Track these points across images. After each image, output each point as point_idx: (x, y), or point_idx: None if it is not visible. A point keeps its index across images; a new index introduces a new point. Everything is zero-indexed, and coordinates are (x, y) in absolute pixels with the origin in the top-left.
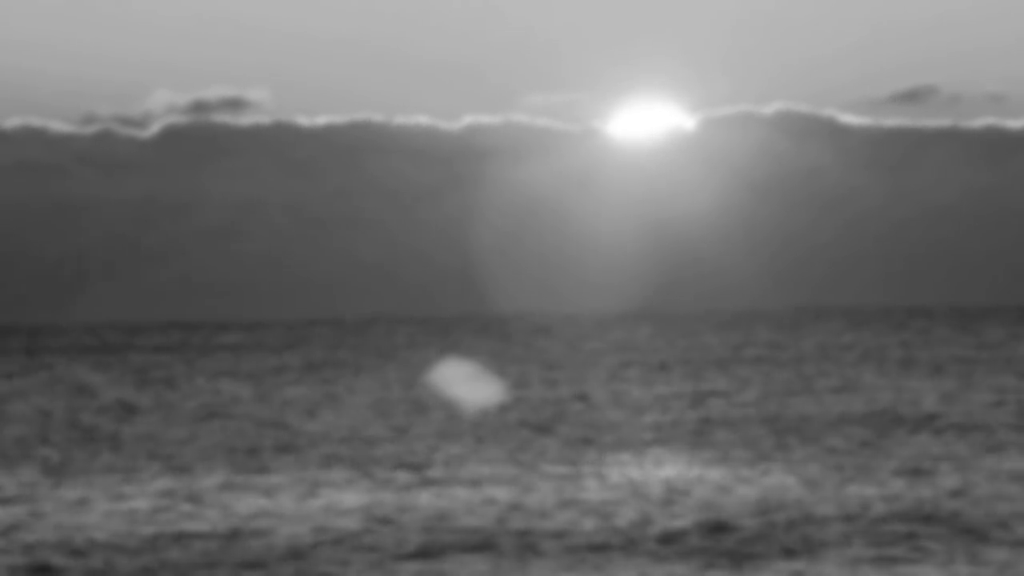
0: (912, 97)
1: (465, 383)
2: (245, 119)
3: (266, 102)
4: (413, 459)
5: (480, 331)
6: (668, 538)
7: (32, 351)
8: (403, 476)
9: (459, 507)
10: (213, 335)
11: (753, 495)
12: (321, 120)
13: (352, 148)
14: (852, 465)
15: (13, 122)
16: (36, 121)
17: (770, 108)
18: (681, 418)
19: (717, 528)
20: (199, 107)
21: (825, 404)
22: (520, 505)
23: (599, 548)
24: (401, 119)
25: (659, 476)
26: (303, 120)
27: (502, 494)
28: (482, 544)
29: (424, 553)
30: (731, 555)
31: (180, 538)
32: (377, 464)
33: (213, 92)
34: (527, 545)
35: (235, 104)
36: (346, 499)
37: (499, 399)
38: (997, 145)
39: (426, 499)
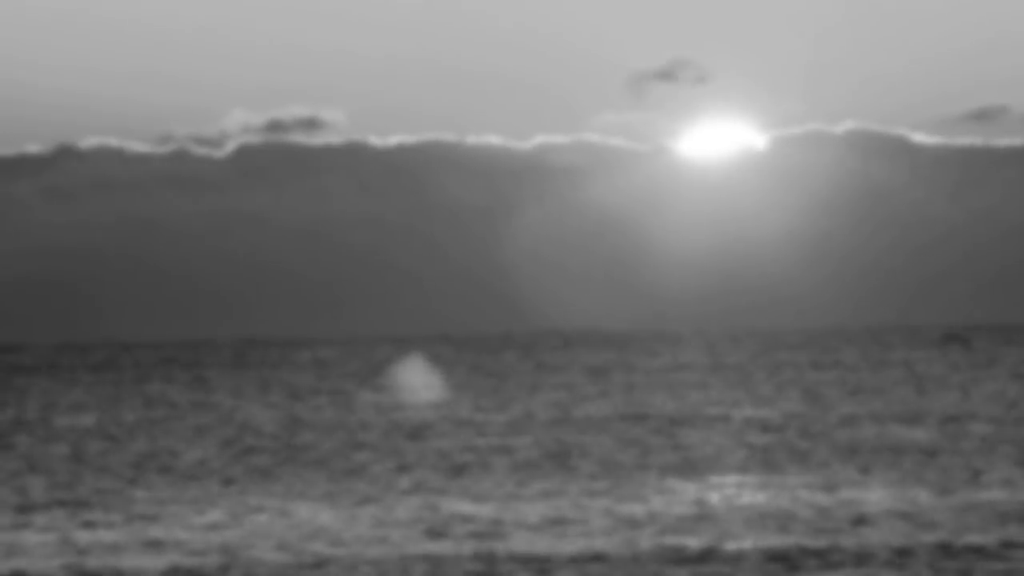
0: (983, 116)
1: (418, 385)
2: (320, 139)
3: (341, 122)
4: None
5: (558, 347)
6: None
7: (115, 367)
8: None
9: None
10: (288, 352)
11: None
12: (393, 140)
13: (424, 167)
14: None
15: (90, 142)
16: (113, 141)
17: (841, 127)
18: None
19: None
20: (275, 126)
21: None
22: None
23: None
24: (472, 138)
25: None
26: (375, 140)
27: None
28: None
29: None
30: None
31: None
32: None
33: (289, 112)
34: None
35: (310, 124)
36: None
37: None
38: None
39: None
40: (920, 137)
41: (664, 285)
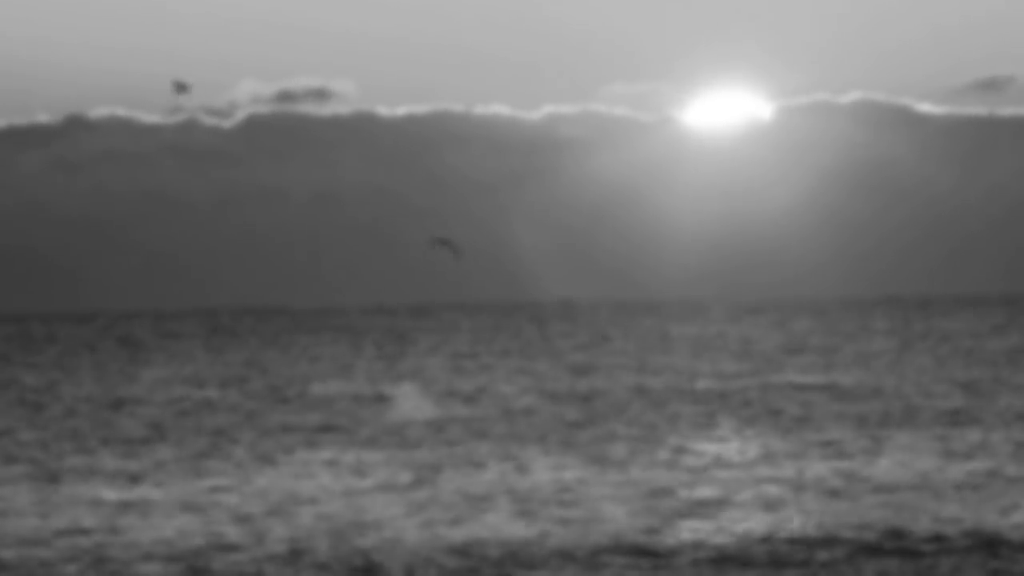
0: (991, 86)
1: (415, 400)
2: (329, 109)
3: (351, 93)
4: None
5: (566, 317)
6: None
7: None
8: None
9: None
10: (298, 320)
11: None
12: (401, 110)
13: (432, 137)
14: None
15: (99, 112)
16: (122, 111)
17: (848, 97)
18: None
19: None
20: (285, 97)
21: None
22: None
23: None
24: (481, 109)
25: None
26: (384, 110)
27: None
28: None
29: None
30: None
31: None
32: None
33: (299, 83)
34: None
35: (320, 94)
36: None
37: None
38: None
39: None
40: (926, 107)
41: (670, 255)
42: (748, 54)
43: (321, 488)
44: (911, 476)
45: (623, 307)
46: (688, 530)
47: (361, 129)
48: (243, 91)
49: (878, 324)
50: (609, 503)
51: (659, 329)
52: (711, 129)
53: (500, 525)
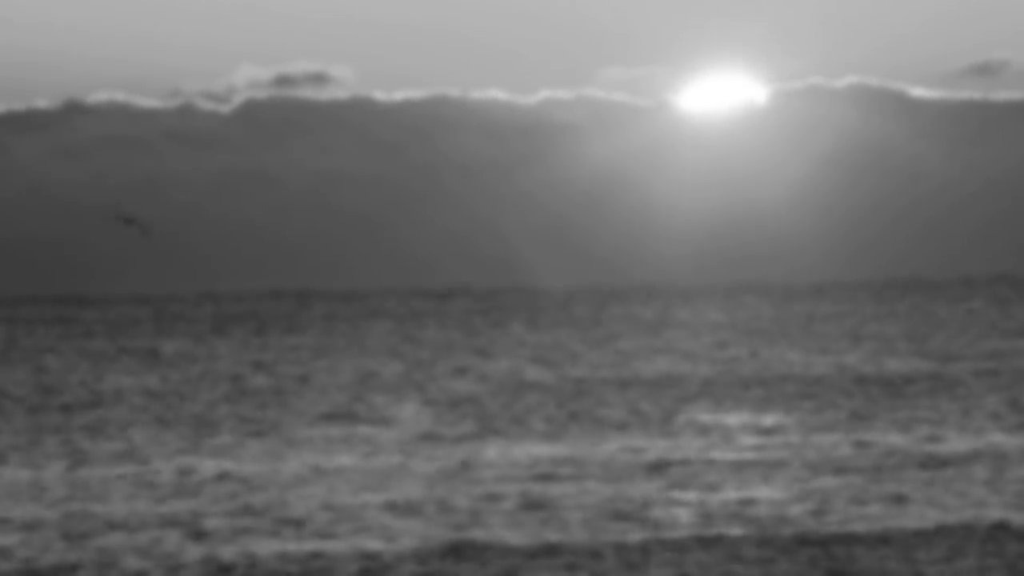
0: (985, 70)
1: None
2: (327, 94)
3: (349, 78)
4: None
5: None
6: None
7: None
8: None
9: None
10: (299, 306)
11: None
12: (398, 95)
13: (429, 123)
14: None
15: (98, 97)
16: (120, 96)
17: (842, 81)
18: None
19: None
20: (283, 81)
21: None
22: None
23: None
24: (477, 94)
25: None
26: (381, 95)
27: None
28: None
29: None
30: None
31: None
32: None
33: (298, 67)
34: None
35: (319, 79)
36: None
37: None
38: None
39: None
40: (920, 91)
41: (666, 240)
42: (744, 38)
43: (331, 470)
44: (904, 454)
45: (618, 293)
46: (689, 503)
47: (358, 114)
48: (242, 76)
49: (869, 308)
50: (611, 481)
51: (655, 315)
52: (707, 113)
53: (505, 508)
